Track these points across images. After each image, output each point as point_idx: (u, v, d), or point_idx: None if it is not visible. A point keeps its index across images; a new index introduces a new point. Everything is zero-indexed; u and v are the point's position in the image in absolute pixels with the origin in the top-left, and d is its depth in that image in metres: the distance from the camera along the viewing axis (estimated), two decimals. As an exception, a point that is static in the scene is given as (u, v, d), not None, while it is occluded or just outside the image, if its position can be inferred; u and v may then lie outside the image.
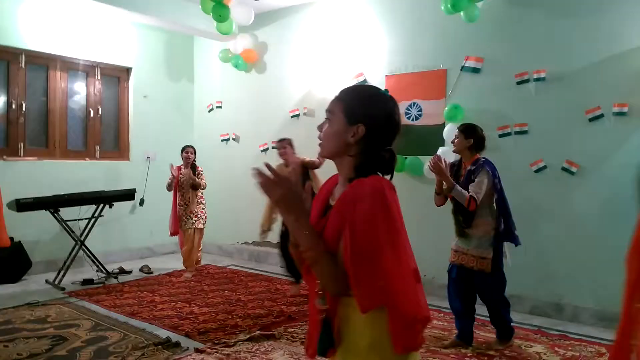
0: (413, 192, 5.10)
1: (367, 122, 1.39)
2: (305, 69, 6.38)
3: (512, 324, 3.76)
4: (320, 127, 1.48)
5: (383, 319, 1.27)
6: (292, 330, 4.08)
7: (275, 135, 6.65)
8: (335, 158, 1.44)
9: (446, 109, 5.01)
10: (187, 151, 5.89)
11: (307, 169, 5.25)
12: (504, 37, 4.84)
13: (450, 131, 4.87)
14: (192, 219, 5.76)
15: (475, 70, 4.98)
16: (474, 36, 5.00)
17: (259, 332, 3.98)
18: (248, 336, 3.89)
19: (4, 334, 3.90)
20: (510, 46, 4.80)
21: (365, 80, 5.72)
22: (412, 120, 5.38)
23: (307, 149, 5.90)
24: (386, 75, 5.60)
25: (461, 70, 5.06)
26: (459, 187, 3.49)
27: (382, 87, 5.37)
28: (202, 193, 5.91)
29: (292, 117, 6.47)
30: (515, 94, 4.76)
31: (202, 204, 5.89)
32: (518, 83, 4.74)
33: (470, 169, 3.60)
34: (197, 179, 5.74)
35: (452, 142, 3.74)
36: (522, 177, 4.67)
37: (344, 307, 1.35)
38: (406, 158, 5.32)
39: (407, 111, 5.38)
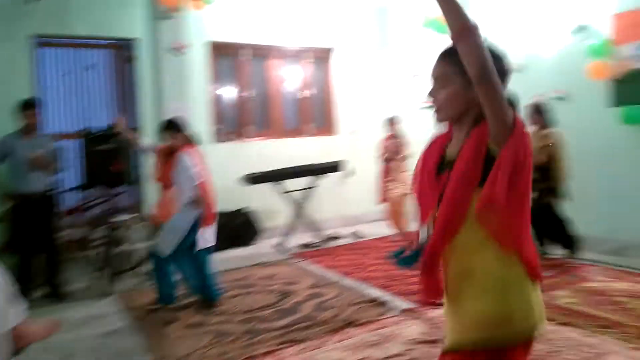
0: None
1: None
2: (517, 23, 5.84)
3: None
4: (432, 94, 1.46)
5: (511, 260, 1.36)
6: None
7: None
8: (459, 118, 1.43)
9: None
10: (391, 122, 6.06)
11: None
12: None
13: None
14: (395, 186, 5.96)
15: None
16: None
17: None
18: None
19: (242, 287, 4.56)
20: None
21: (587, 26, 4.98)
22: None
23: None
24: (615, 14, 4.77)
25: None
26: None
27: (611, 29, 4.74)
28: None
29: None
30: None
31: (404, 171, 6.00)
32: None
33: None
34: None
35: None
36: None
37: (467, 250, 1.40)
38: (642, 106, 4.51)
39: (642, 52, 4.53)
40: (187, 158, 3.94)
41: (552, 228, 4.74)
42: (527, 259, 1.36)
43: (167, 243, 3.94)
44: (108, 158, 4.78)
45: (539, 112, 4.74)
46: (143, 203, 6.08)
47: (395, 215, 6.01)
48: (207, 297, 4.09)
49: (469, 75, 1.31)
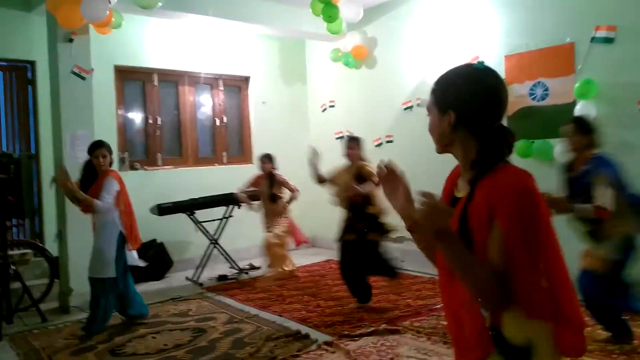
0: (543, 179, 4.74)
1: (456, 105, 1.29)
2: (416, 59, 6.24)
3: None
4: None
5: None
6: (418, 324, 4.00)
7: (389, 130, 6.62)
8: (446, 151, 1.37)
9: (577, 85, 4.60)
10: (262, 161, 5.83)
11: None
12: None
13: (583, 109, 4.47)
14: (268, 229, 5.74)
15: (608, 41, 4.51)
16: (604, 3, 4.54)
17: (383, 326, 3.96)
18: (371, 329, 3.90)
19: (152, 326, 4.32)
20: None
21: (481, 64, 5.43)
22: (538, 100, 5.00)
23: (422, 141, 5.76)
24: (505, 56, 5.26)
25: (591, 41, 4.61)
26: (579, 206, 3.18)
27: (502, 69, 5.18)
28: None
29: (405, 109, 6.38)
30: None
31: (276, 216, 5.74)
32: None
33: (587, 169, 3.25)
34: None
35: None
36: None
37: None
38: (533, 142, 4.96)
39: (532, 91, 5.04)
40: (114, 181, 4.12)
41: (377, 264, 4.54)
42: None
43: (104, 266, 4.09)
44: (1, 189, 4.37)
45: (358, 145, 4.61)
46: (41, 237, 5.62)
47: (269, 256, 5.62)
48: (139, 314, 4.38)
49: (442, 107, 1.31)
